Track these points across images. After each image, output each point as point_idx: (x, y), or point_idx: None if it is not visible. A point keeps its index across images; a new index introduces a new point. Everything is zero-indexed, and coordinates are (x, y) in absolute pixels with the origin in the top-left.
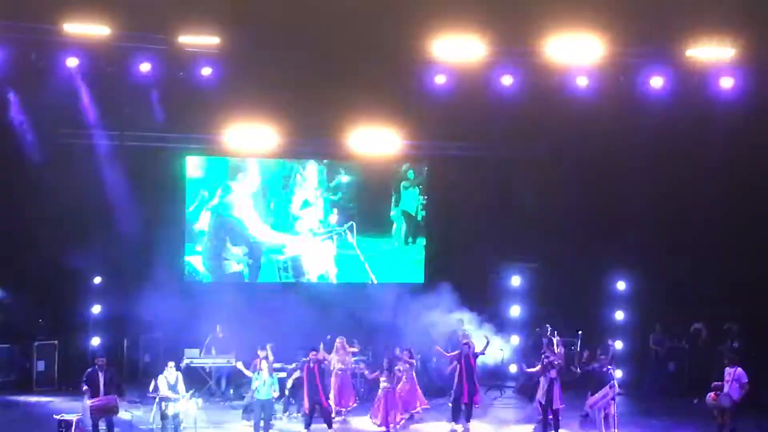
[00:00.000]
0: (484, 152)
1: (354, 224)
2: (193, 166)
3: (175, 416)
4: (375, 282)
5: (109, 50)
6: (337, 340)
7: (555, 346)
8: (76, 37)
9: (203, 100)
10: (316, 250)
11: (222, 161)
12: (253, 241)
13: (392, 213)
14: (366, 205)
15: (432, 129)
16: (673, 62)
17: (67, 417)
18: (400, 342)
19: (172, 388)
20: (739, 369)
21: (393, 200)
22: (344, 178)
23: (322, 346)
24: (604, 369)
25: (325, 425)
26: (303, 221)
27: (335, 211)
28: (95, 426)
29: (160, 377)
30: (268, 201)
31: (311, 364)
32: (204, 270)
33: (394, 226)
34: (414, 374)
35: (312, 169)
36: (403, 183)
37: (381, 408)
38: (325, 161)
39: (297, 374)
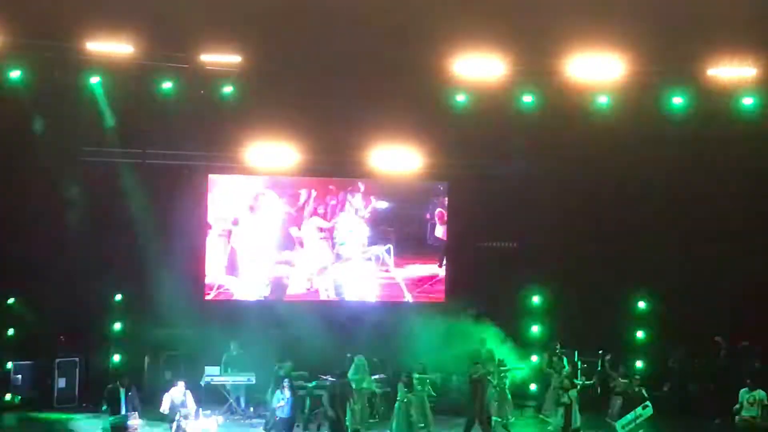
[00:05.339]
0: (505, 170)
1: (392, 247)
2: (215, 184)
3: None
4: (411, 301)
5: (131, 69)
6: (356, 358)
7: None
8: (99, 56)
9: (225, 119)
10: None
11: (245, 180)
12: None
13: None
14: (402, 228)
15: (453, 147)
16: (695, 81)
17: None
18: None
19: (182, 405)
20: (761, 392)
21: (429, 227)
22: (381, 203)
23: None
24: (635, 389)
25: None
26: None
27: (372, 235)
28: None
29: (166, 395)
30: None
31: (337, 385)
32: (227, 287)
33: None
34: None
35: (351, 195)
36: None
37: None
38: (362, 187)
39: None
